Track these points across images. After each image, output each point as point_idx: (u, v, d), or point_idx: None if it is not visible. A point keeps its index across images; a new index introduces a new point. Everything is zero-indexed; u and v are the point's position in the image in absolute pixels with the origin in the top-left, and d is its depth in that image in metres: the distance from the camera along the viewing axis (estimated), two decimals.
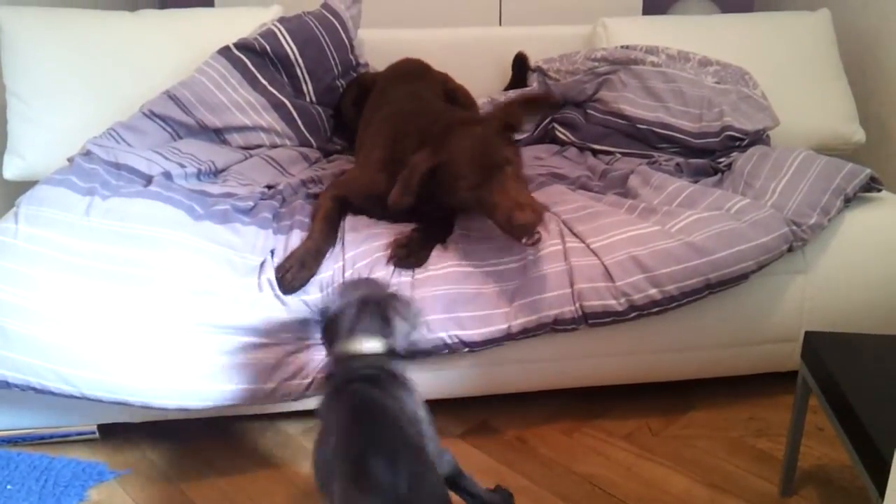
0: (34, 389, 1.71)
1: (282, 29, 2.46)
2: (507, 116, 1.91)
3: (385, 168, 1.98)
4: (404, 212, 1.91)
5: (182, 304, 1.74)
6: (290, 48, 2.44)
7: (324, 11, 2.56)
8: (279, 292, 1.80)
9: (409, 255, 1.87)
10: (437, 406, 2.02)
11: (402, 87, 2.34)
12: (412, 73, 2.51)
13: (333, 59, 2.53)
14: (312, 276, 1.84)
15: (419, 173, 1.80)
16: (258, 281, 1.82)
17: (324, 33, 2.51)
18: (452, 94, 2.48)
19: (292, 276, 1.81)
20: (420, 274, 1.86)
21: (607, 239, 1.89)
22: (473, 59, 2.80)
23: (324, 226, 1.94)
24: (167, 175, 2.06)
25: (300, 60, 2.46)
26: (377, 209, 2.00)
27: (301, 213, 2.03)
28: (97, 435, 1.96)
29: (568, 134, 2.63)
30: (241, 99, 2.39)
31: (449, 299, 1.82)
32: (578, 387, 2.07)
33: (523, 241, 1.76)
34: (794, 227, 1.92)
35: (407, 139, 1.97)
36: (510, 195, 1.73)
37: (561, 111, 2.66)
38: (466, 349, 1.83)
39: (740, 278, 1.87)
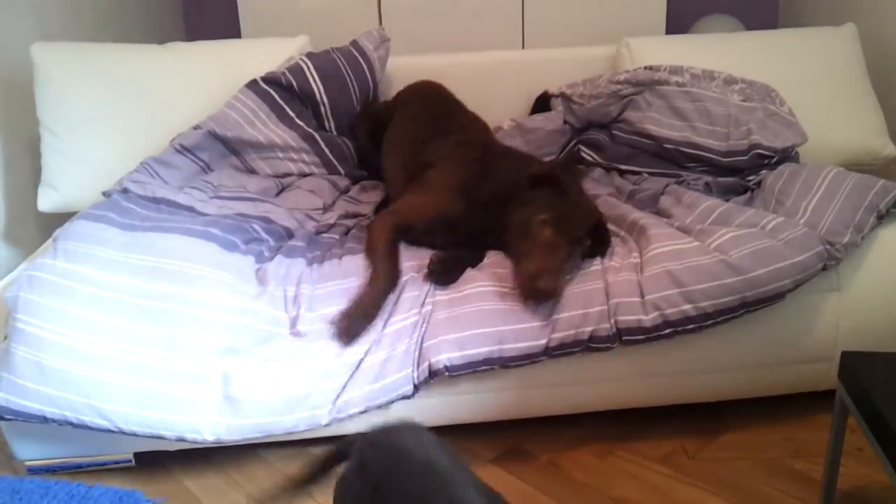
0: (71, 424, 1.73)
1: (309, 65, 2.49)
2: (604, 226, 2.02)
3: (463, 193, 2.04)
4: (457, 240, 2.00)
5: (218, 340, 1.75)
6: (316, 85, 2.47)
7: (352, 50, 2.59)
8: (336, 340, 1.81)
9: (443, 272, 1.90)
10: (469, 430, 2.03)
11: (450, 121, 2.39)
12: (441, 101, 2.54)
13: (356, 97, 2.56)
14: (374, 321, 1.83)
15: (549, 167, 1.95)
16: (288, 316, 1.85)
17: (350, 72, 2.54)
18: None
19: (354, 326, 1.81)
20: (456, 293, 1.88)
21: (649, 252, 1.90)
22: (497, 83, 2.82)
23: (389, 264, 1.91)
24: (203, 203, 2.10)
25: (324, 98, 2.50)
26: (442, 235, 2.03)
27: (337, 245, 2.07)
28: (133, 463, 1.98)
29: (594, 154, 2.63)
30: (271, 132, 2.42)
31: (487, 314, 1.82)
32: (612, 409, 2.06)
33: (527, 303, 1.82)
34: (828, 246, 1.90)
35: (493, 171, 2.07)
36: (554, 260, 1.81)
37: (586, 133, 2.67)
38: (504, 364, 1.83)
39: (777, 297, 1.85)
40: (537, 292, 1.78)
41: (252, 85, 2.44)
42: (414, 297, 1.87)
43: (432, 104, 2.49)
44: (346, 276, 1.92)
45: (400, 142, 2.40)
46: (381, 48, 2.65)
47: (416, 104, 2.51)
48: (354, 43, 2.61)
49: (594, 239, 1.98)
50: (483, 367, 1.82)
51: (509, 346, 1.81)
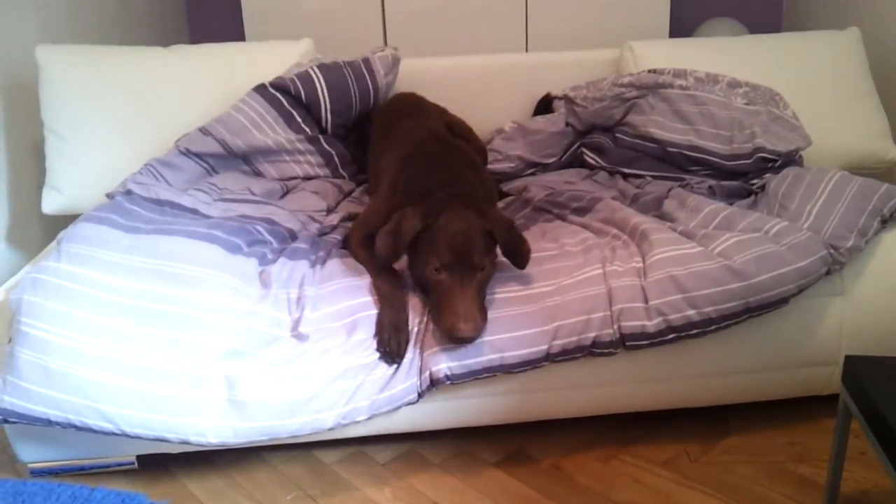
0: (74, 426, 1.73)
1: (320, 77, 2.46)
2: (497, 230, 1.87)
3: (396, 204, 1.98)
4: None
5: (221, 343, 1.75)
6: (324, 98, 2.46)
7: (363, 69, 2.55)
8: (387, 362, 1.81)
9: None
10: (473, 433, 2.03)
11: (409, 122, 2.37)
12: (412, 107, 2.54)
13: (354, 114, 2.56)
14: (408, 329, 1.84)
15: (409, 233, 1.82)
16: (291, 318, 1.84)
17: (357, 92, 2.51)
18: (450, 128, 2.49)
19: (396, 343, 1.81)
20: None
21: (652, 257, 1.89)
22: (500, 86, 2.82)
23: (381, 274, 1.92)
24: (207, 205, 2.11)
25: (328, 113, 2.49)
26: None
27: (340, 245, 2.08)
28: (136, 465, 1.98)
29: (597, 158, 2.63)
30: (278, 135, 2.42)
31: (488, 323, 1.81)
32: (615, 413, 2.05)
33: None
34: (832, 251, 1.90)
35: (416, 183, 2.02)
36: (465, 303, 1.76)
37: (589, 136, 2.67)
38: (507, 371, 1.82)
39: (781, 302, 1.85)
40: (462, 342, 1.76)
41: (260, 89, 2.44)
42: (415, 305, 1.87)
43: (398, 115, 2.48)
44: (349, 275, 1.92)
45: (371, 153, 2.45)
46: (391, 73, 2.62)
47: (386, 116, 2.51)
48: (367, 62, 2.57)
49: (504, 249, 1.89)
50: (485, 375, 1.82)
51: (510, 353, 1.80)
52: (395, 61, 2.65)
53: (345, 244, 2.12)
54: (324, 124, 2.50)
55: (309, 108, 2.47)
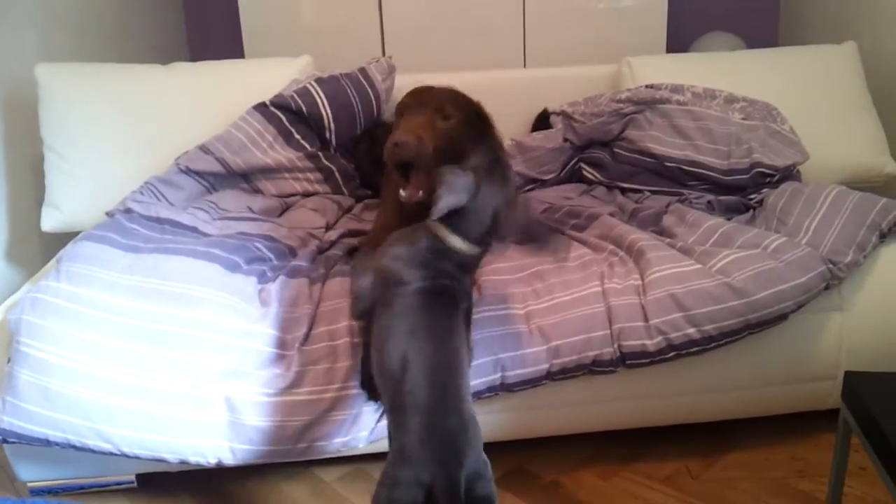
0: (74, 447, 1.73)
1: (319, 91, 2.46)
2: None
3: (399, 216, 1.91)
4: None
5: (220, 363, 1.75)
6: (325, 111, 2.46)
7: (361, 78, 2.55)
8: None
9: None
10: None
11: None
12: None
13: (360, 126, 2.55)
14: None
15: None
16: (290, 337, 1.83)
17: (358, 101, 2.51)
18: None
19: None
20: None
21: (651, 275, 1.89)
22: (498, 102, 2.78)
23: None
24: (206, 224, 2.11)
25: (332, 125, 2.48)
26: None
27: (341, 262, 2.07)
28: (135, 484, 1.97)
29: (595, 173, 2.63)
30: (277, 153, 2.42)
31: (486, 342, 1.81)
32: (615, 430, 2.05)
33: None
34: (831, 266, 1.91)
35: None
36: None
37: (587, 151, 2.68)
38: (508, 389, 1.82)
39: (780, 318, 1.86)
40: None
41: (259, 107, 2.44)
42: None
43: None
44: (349, 294, 1.91)
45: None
46: (389, 79, 2.63)
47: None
48: (363, 71, 2.58)
49: None
50: (485, 395, 1.82)
51: (511, 372, 1.80)
52: (391, 67, 2.66)
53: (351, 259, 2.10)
54: (328, 136, 2.50)
55: (311, 124, 2.48)
